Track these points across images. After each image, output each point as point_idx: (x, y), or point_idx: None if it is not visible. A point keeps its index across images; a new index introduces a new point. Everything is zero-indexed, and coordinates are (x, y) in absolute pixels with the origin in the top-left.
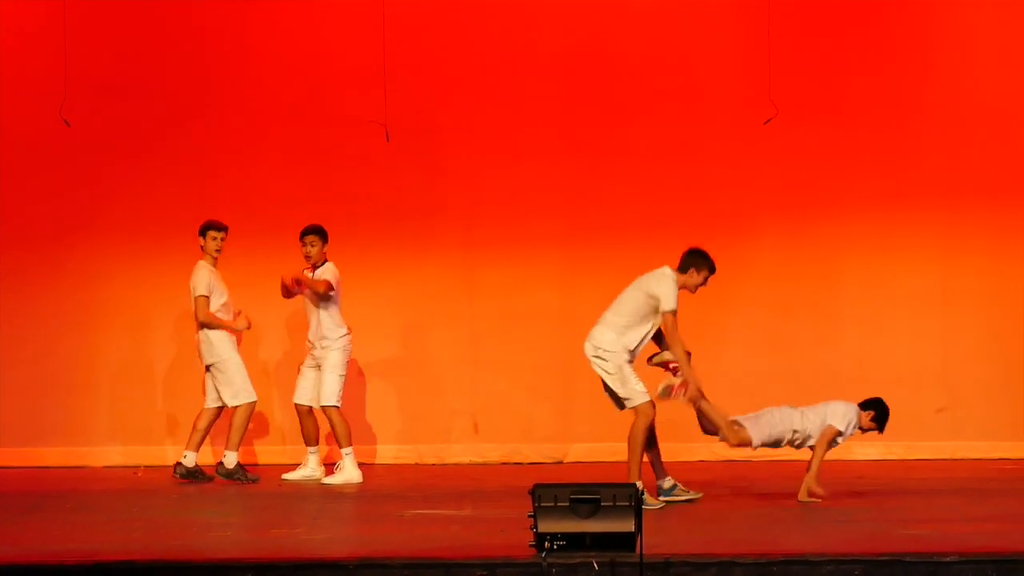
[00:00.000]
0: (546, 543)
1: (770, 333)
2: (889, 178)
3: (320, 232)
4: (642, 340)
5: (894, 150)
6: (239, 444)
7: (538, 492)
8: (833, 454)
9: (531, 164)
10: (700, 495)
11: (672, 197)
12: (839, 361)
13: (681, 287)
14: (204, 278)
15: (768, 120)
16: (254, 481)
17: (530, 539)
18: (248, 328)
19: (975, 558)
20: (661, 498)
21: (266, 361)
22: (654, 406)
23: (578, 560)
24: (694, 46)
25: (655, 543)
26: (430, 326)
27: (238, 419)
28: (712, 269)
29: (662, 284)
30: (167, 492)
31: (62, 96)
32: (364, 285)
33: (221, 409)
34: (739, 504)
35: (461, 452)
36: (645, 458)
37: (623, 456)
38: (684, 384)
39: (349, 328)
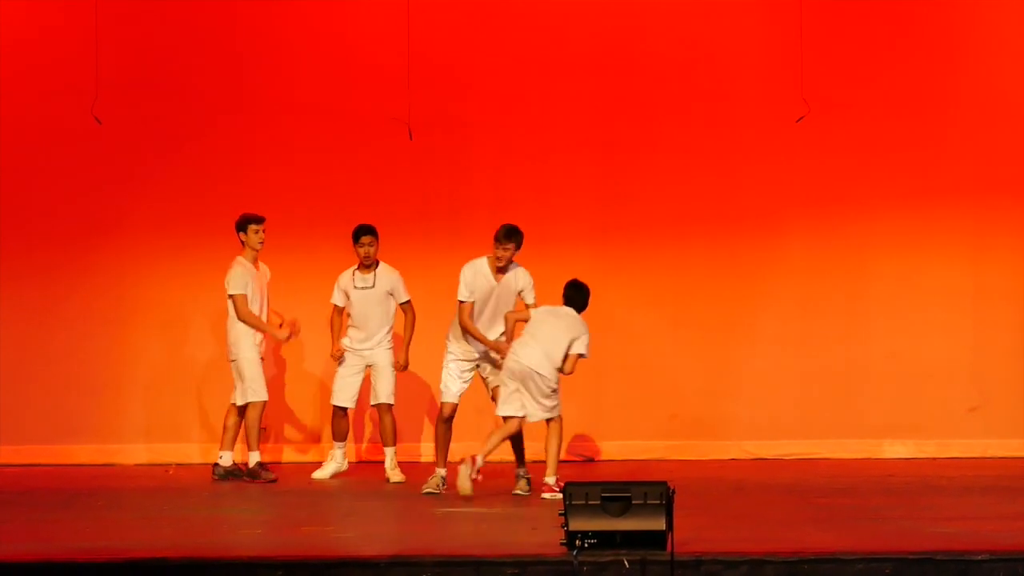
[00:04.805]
0: (577, 541)
1: (800, 329)
2: (920, 175)
3: (375, 232)
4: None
5: (925, 147)
6: (257, 443)
7: (569, 490)
8: (863, 452)
9: (560, 162)
10: None
11: (703, 195)
12: (869, 357)
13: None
14: (238, 275)
15: (800, 118)
16: (272, 481)
17: (561, 537)
18: (290, 338)
19: (1006, 556)
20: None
21: (303, 358)
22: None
23: (609, 558)
24: (726, 44)
25: (686, 541)
26: None
27: (249, 419)
28: None
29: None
30: (198, 490)
31: (93, 94)
32: None
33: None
34: (770, 502)
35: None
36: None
37: (655, 454)
38: None
39: None
